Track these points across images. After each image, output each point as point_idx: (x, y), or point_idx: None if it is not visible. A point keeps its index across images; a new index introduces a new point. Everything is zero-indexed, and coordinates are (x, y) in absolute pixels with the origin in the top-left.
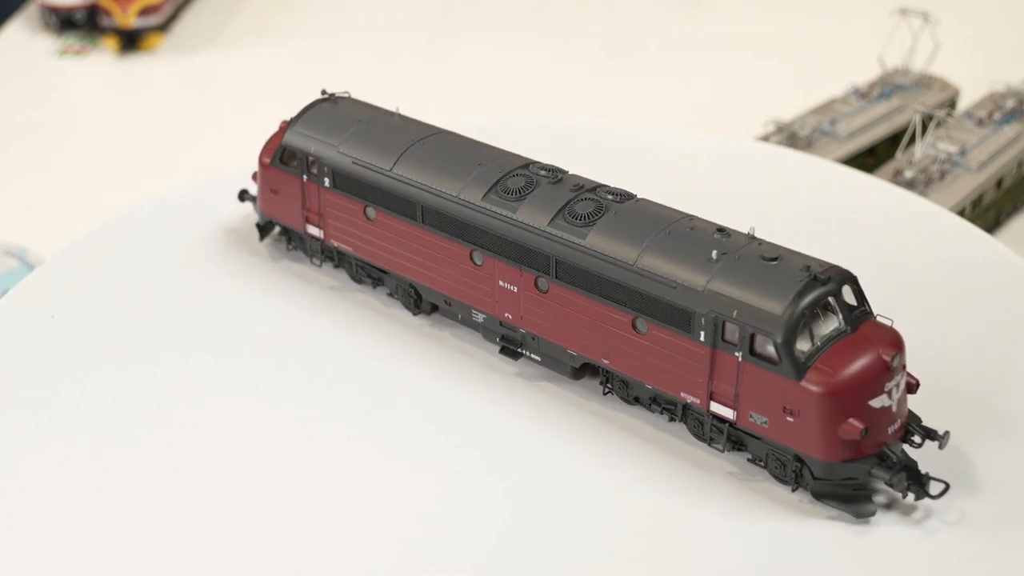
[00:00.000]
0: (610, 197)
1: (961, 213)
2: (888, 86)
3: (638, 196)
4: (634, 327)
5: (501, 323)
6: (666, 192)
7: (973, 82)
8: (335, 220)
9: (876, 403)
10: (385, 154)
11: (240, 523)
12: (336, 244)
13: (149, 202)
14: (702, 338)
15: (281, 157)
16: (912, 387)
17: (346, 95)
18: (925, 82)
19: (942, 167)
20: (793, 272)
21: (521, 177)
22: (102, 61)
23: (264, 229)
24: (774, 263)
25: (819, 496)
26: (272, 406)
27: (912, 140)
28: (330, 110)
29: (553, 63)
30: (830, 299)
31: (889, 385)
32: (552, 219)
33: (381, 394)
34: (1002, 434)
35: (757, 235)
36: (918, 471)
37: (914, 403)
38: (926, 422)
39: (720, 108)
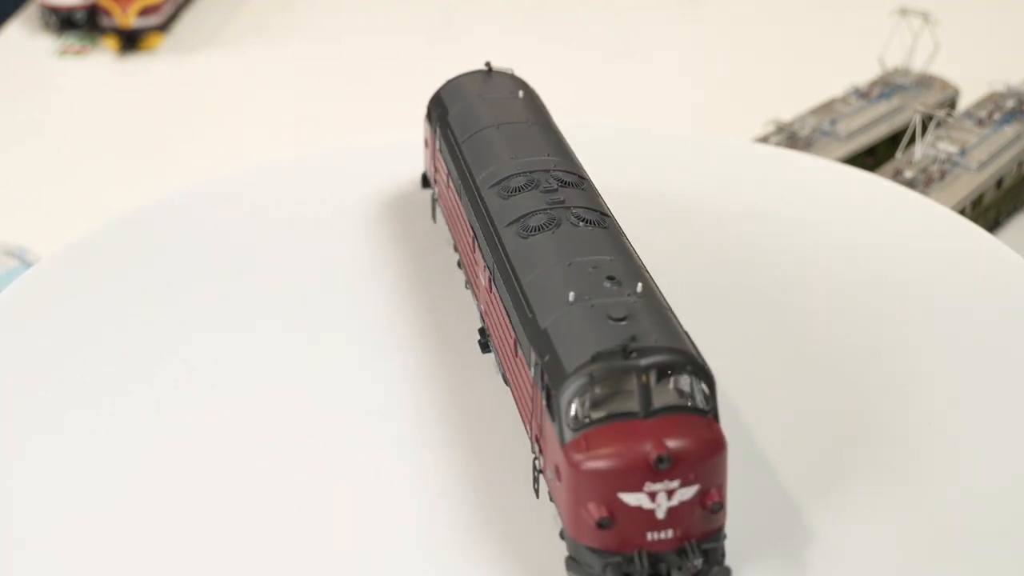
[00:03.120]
0: (574, 218)
1: (961, 213)
2: (888, 86)
3: (607, 223)
4: (514, 348)
5: (481, 315)
6: (664, 193)
7: (973, 82)
8: (438, 182)
9: (630, 499)
10: (466, 130)
11: (240, 523)
12: (440, 205)
13: (149, 202)
14: (532, 375)
15: (427, 114)
16: (709, 503)
17: (508, 71)
18: (925, 82)
19: (942, 167)
20: (616, 337)
21: (524, 177)
22: (102, 61)
23: (426, 179)
24: (619, 323)
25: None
26: (272, 406)
27: (912, 140)
28: (478, 81)
29: (553, 63)
30: (639, 377)
31: (653, 487)
32: (507, 224)
33: (382, 394)
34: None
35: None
36: None
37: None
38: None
39: (720, 108)
